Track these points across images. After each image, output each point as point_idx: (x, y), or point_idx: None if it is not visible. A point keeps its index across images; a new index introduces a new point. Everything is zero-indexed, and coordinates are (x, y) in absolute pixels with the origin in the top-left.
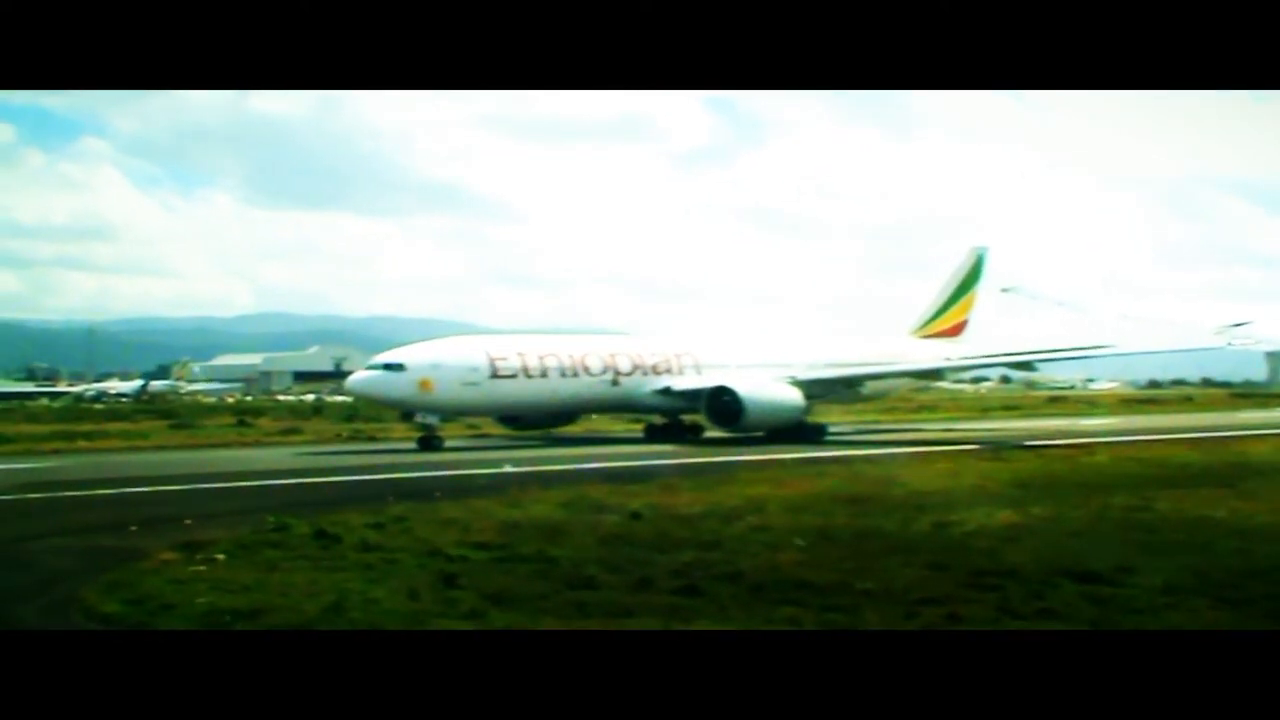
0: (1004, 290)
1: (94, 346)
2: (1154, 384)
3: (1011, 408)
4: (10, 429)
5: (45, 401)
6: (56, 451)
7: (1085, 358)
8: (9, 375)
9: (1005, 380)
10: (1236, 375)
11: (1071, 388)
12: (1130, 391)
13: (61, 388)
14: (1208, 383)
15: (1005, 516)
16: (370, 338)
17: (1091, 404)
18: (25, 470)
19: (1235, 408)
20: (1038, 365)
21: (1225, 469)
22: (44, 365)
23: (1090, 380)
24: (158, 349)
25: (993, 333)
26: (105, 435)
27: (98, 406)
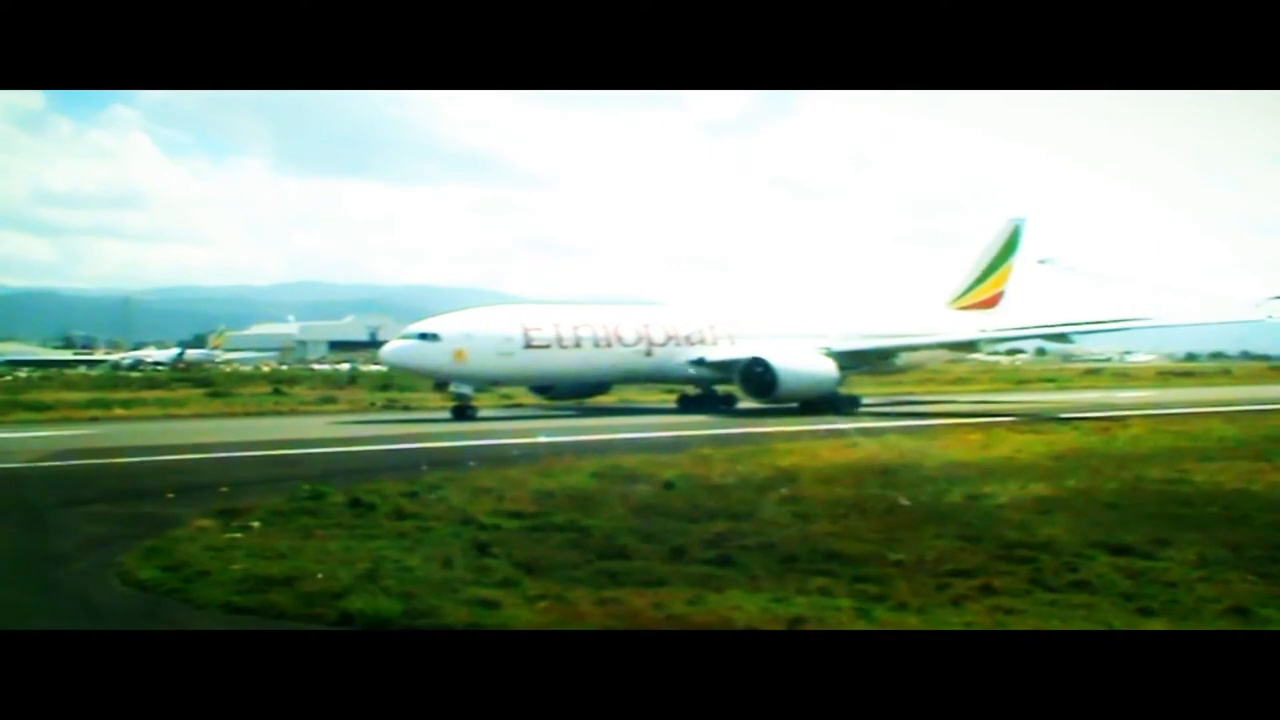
0: (1040, 262)
1: (130, 315)
2: (1191, 356)
3: (1047, 380)
4: (49, 396)
5: (83, 370)
6: (94, 419)
7: (1122, 330)
8: (46, 343)
9: (1041, 353)
10: (1276, 348)
11: (1108, 360)
12: (1168, 364)
13: (99, 356)
14: (1247, 355)
15: (1039, 489)
16: (405, 307)
17: (1128, 376)
18: (64, 438)
19: (1274, 381)
20: (1074, 337)
21: (1262, 442)
22: (81, 334)
23: (1127, 353)
24: (193, 317)
25: (1029, 304)
26: (142, 403)
27: (135, 375)
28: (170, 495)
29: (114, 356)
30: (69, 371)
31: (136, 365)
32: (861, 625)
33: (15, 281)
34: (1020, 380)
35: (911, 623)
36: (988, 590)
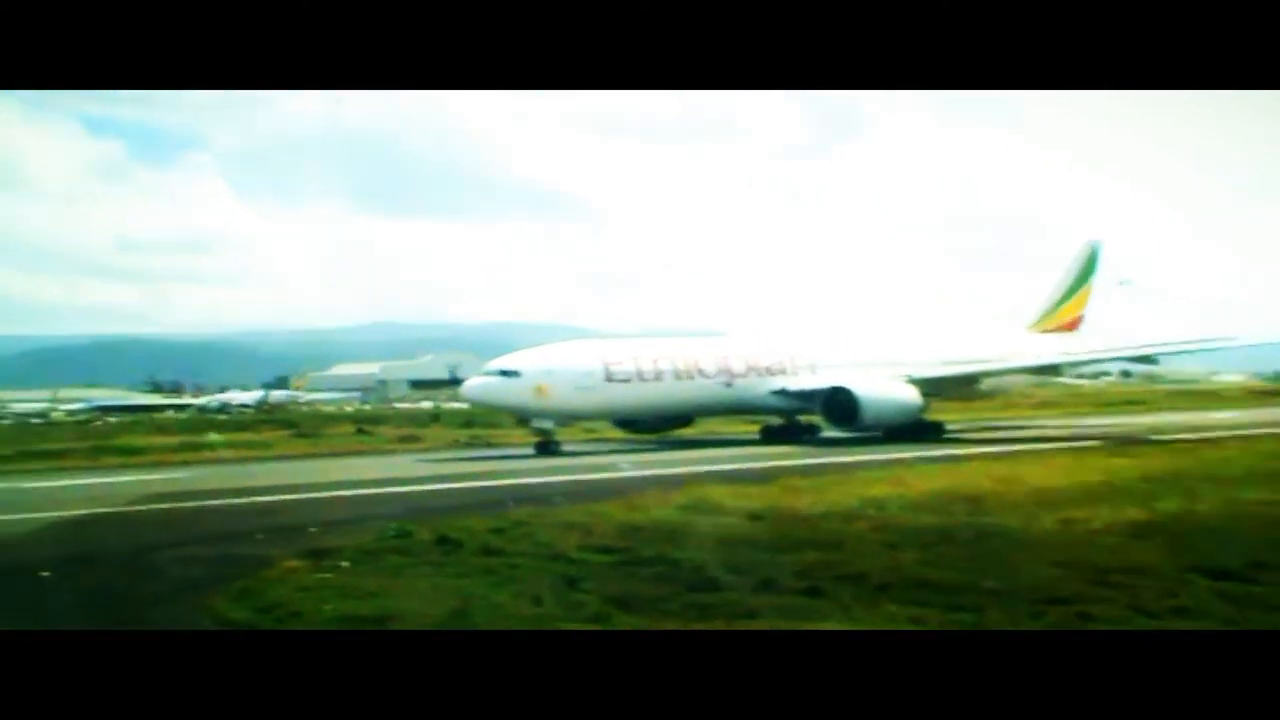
0: (1121, 283)
1: (214, 358)
2: None
3: (1134, 402)
4: (139, 441)
5: (171, 413)
6: (185, 462)
7: (1209, 350)
8: (134, 388)
9: (1126, 375)
10: None
11: (1195, 381)
12: (1258, 383)
13: (185, 400)
14: None
15: (1132, 513)
16: (482, 343)
17: (1216, 396)
18: (155, 480)
19: None
20: (1159, 359)
21: None
22: (167, 378)
23: (1215, 373)
24: (274, 359)
25: (1111, 326)
26: (230, 445)
27: (221, 417)
28: (260, 536)
29: (200, 400)
30: (157, 415)
31: (223, 408)
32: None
33: (103, 328)
34: (1106, 403)
35: None
36: (1084, 618)
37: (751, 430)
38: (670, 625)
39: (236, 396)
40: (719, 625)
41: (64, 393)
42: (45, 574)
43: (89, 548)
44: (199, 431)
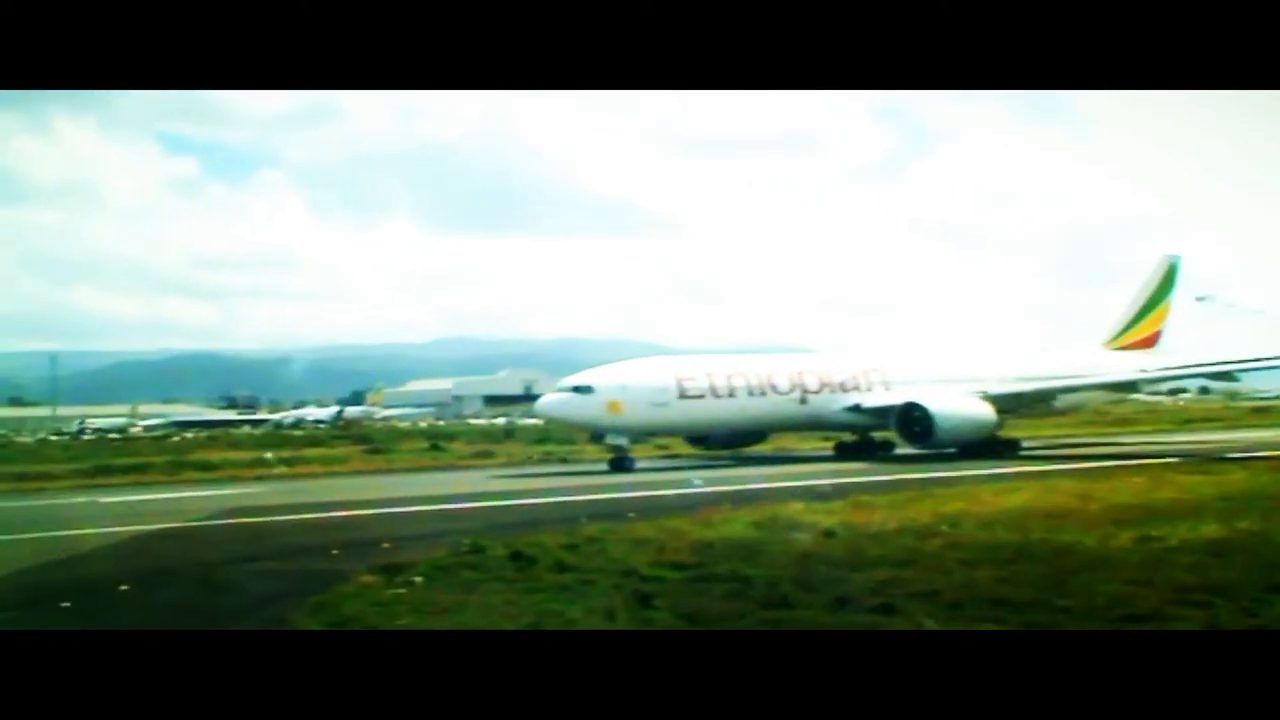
0: (1199, 299)
1: (289, 374)
2: None
3: (1213, 419)
4: (216, 456)
5: (247, 429)
6: (260, 478)
7: None
8: (211, 404)
9: (1205, 391)
10: None
11: (1277, 397)
12: None
13: (262, 415)
14: None
15: (1210, 530)
16: (555, 359)
17: None
18: (232, 495)
19: None
20: (1239, 375)
21: None
22: (244, 393)
23: None
24: (349, 375)
25: (1189, 343)
26: (305, 461)
27: (297, 433)
28: (335, 551)
29: (276, 415)
30: (234, 431)
31: (298, 424)
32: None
33: (180, 344)
34: (1185, 420)
35: None
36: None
37: (825, 447)
38: None
39: (312, 412)
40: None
41: (142, 408)
42: (124, 588)
43: (167, 562)
44: (274, 447)
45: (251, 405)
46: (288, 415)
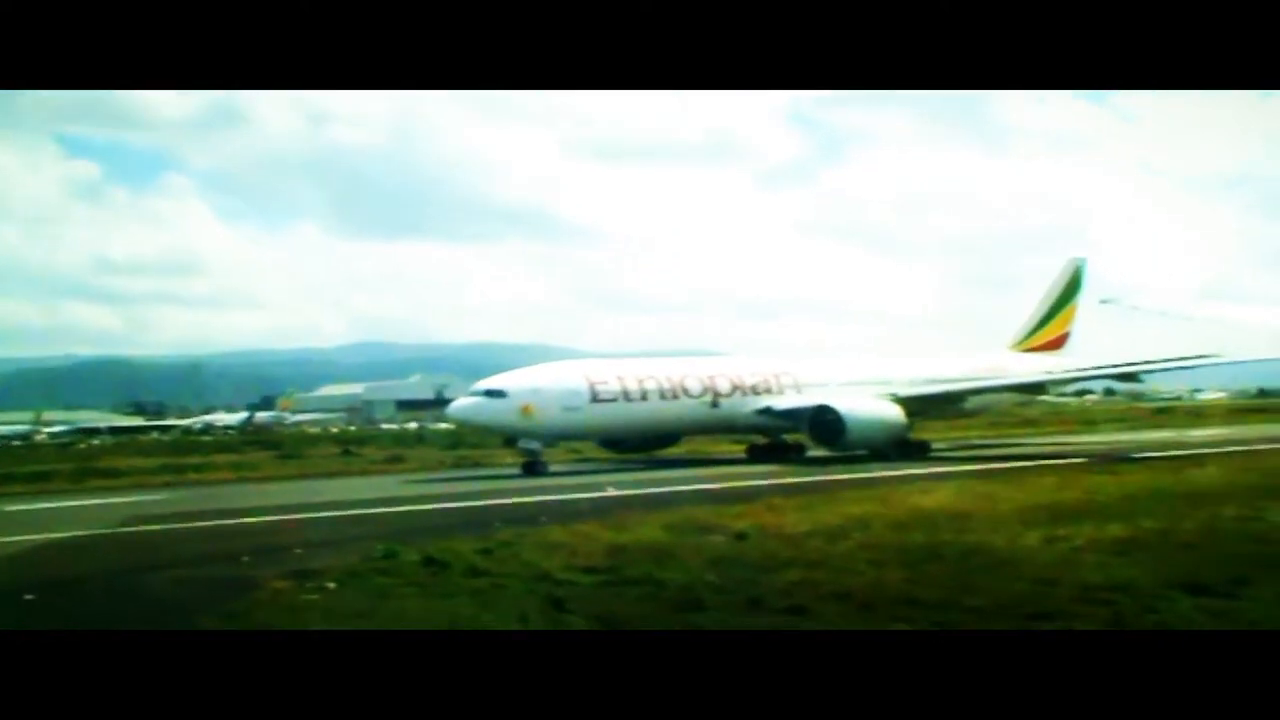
0: (1103, 302)
1: (199, 380)
2: (1264, 393)
3: (1117, 420)
4: (123, 463)
5: (155, 435)
6: (168, 484)
7: (1191, 368)
8: (118, 410)
9: (1110, 393)
10: None
11: (1178, 399)
12: (1239, 401)
13: (170, 421)
14: None
15: (1115, 530)
16: (469, 364)
17: (1199, 414)
18: (139, 503)
19: None
20: (1142, 377)
21: None
22: (152, 400)
23: (1197, 391)
24: (259, 381)
25: (1094, 345)
26: (214, 467)
27: (206, 439)
28: (245, 558)
29: (185, 421)
30: (141, 437)
31: (207, 430)
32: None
33: (85, 350)
34: (1090, 421)
35: None
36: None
37: (737, 450)
38: None
39: (221, 418)
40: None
41: (46, 415)
42: (29, 597)
43: (73, 571)
44: (183, 453)
45: (160, 411)
46: (197, 421)
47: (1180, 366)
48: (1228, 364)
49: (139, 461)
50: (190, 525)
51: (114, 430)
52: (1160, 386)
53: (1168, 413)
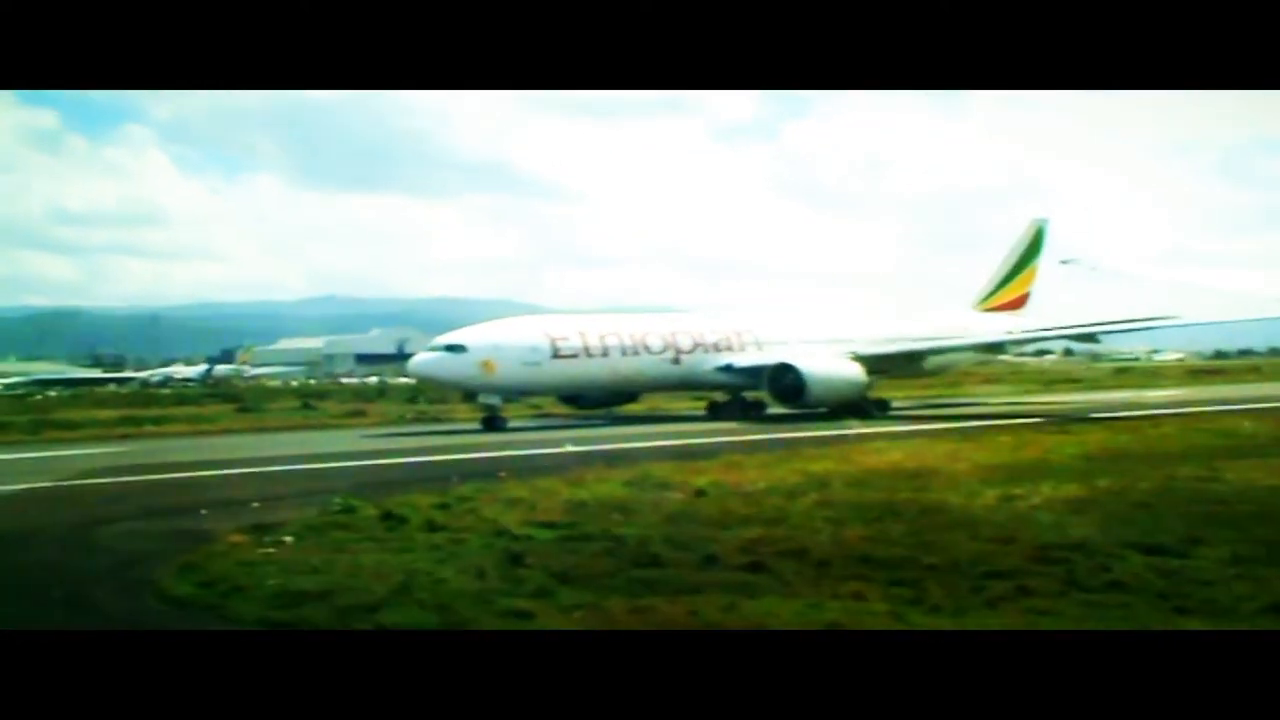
0: (1063, 262)
1: (157, 332)
2: (1220, 354)
3: (1076, 381)
4: (80, 415)
5: (113, 387)
6: (125, 436)
7: (1149, 329)
8: (75, 362)
9: (1069, 353)
10: None
11: (1136, 360)
12: (1196, 362)
13: (128, 374)
14: (1275, 352)
15: (1071, 489)
16: (431, 319)
17: (1156, 375)
18: (96, 455)
19: None
20: (1101, 338)
21: None
22: (109, 351)
23: (1155, 352)
24: (219, 333)
25: (1055, 305)
26: (172, 420)
27: (164, 391)
28: (203, 511)
29: (143, 374)
30: (99, 390)
31: (166, 382)
32: (895, 628)
33: (42, 301)
34: (1049, 381)
35: (946, 626)
36: (1023, 592)
37: (698, 407)
38: (614, 600)
39: (180, 371)
40: (662, 600)
41: (1, 367)
42: None
43: (27, 523)
44: (141, 406)
45: (118, 363)
46: (155, 374)
47: (1139, 328)
48: (1185, 326)
49: (96, 414)
50: (147, 478)
51: (71, 382)
52: (1119, 347)
53: (1126, 373)
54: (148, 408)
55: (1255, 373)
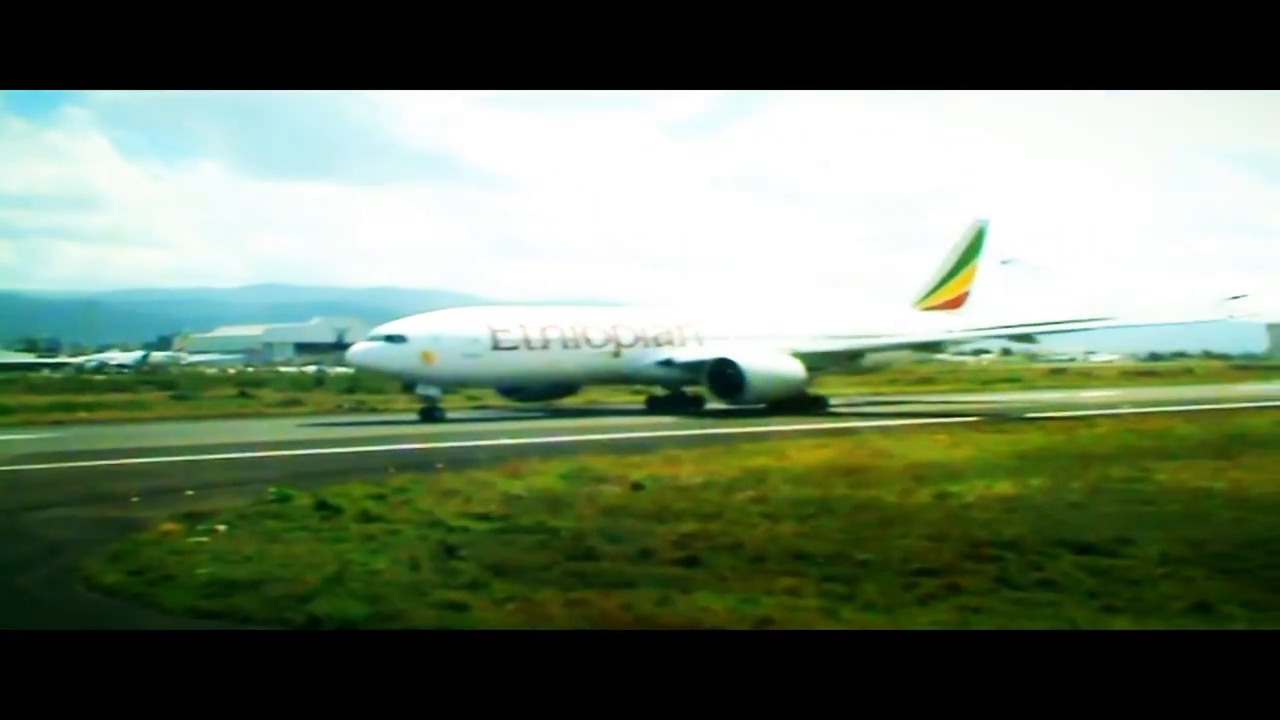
0: (1004, 262)
1: (94, 317)
2: (1155, 356)
3: (1013, 380)
4: (11, 400)
5: (47, 372)
6: (58, 422)
7: (1086, 330)
8: (9, 346)
9: (1006, 353)
10: (1237, 347)
11: (1072, 360)
12: (1131, 364)
13: (62, 359)
14: (1208, 355)
15: (1005, 488)
16: (371, 309)
17: (1092, 376)
18: (27, 441)
19: (1235, 380)
20: (1039, 338)
21: (1224, 441)
22: (44, 336)
23: (1091, 353)
24: (156, 320)
25: (994, 305)
26: (106, 406)
27: (99, 378)
28: (135, 499)
29: (78, 359)
30: (32, 375)
31: (101, 368)
32: (829, 625)
33: None
34: (986, 380)
35: (879, 622)
36: (954, 589)
37: (637, 401)
38: (548, 593)
39: (116, 357)
40: (596, 594)
41: None
42: None
43: None
44: (75, 392)
45: (53, 348)
46: (90, 359)
47: (1075, 329)
48: (1121, 328)
49: (29, 399)
50: (80, 465)
51: (3, 366)
52: (1056, 348)
53: (1061, 373)
54: (81, 394)
55: (1188, 375)
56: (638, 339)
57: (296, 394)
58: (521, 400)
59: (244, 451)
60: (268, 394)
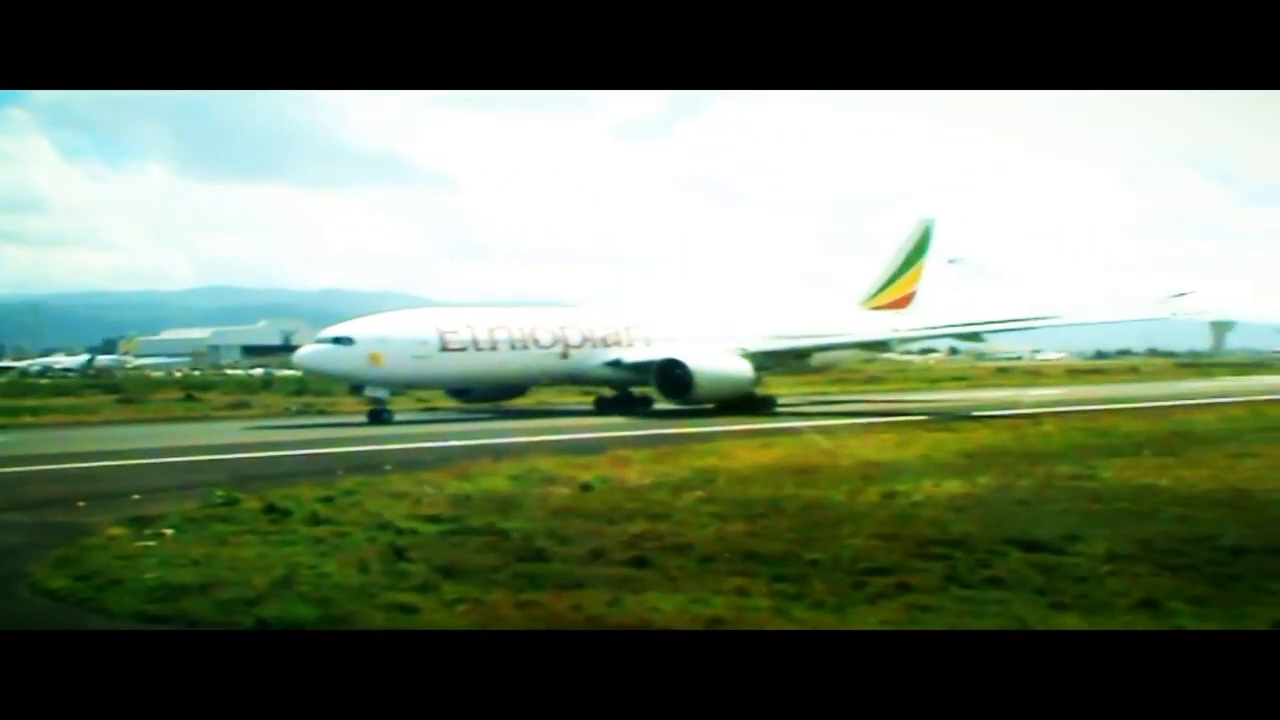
0: (950, 262)
1: (38, 321)
2: (1100, 354)
3: (959, 379)
4: None
5: None
6: (2, 427)
7: (1032, 328)
8: None
9: (953, 352)
10: (1181, 345)
11: (1019, 358)
12: (1077, 362)
13: (6, 363)
14: (1153, 353)
15: (953, 487)
16: (319, 311)
17: (1038, 374)
18: None
19: (1180, 377)
20: (985, 336)
21: (1169, 438)
22: None
23: (1037, 351)
24: (101, 323)
25: (941, 304)
26: (51, 410)
27: (43, 381)
28: (81, 503)
29: (22, 363)
30: None
31: (45, 372)
32: (779, 625)
33: None
34: (933, 379)
35: (828, 621)
36: (904, 588)
37: (586, 401)
38: (498, 595)
39: (60, 360)
40: (547, 595)
41: None
42: None
43: None
44: (19, 396)
45: None
46: (34, 363)
47: (1021, 327)
48: (1066, 326)
49: None
50: (24, 469)
51: None
52: (1002, 347)
53: (1008, 372)
54: (25, 398)
55: (1133, 373)
56: (586, 340)
57: (244, 397)
58: (470, 402)
59: (191, 455)
60: (215, 397)
